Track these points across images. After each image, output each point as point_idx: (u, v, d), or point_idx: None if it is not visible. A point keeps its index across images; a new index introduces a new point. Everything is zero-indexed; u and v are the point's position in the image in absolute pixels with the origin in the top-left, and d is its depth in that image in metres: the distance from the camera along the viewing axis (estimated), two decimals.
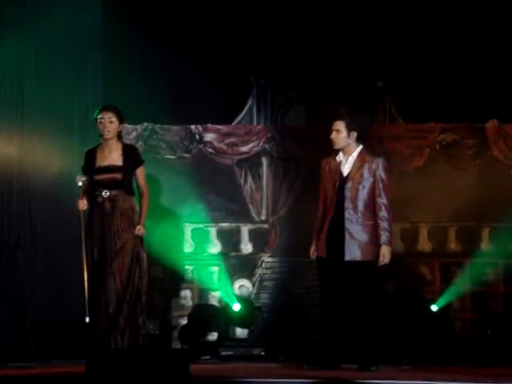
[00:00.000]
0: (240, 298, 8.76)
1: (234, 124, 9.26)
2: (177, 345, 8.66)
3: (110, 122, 6.64)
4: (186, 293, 9.00)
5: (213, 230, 9.10)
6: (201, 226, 9.04)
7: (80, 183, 6.57)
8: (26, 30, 7.87)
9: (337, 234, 6.63)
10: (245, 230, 9.13)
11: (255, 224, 9.13)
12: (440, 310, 8.50)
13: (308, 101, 9.24)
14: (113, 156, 6.68)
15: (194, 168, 9.09)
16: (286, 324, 8.70)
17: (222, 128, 9.20)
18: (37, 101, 7.90)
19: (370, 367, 6.52)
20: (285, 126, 9.24)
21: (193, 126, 9.14)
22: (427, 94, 8.81)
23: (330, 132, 6.75)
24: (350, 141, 6.72)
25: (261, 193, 9.18)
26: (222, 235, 9.09)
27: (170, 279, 8.88)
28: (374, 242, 6.64)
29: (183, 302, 8.99)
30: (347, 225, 6.60)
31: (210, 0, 8.86)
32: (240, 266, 9.03)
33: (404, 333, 8.29)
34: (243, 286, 8.99)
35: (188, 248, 9.06)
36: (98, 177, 6.62)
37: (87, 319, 6.41)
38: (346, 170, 6.73)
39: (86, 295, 6.45)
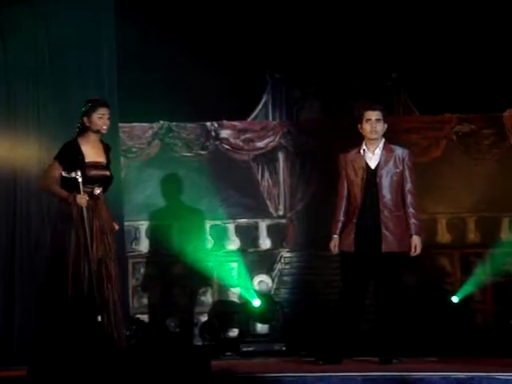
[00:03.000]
0: (260, 294, 8.76)
1: (249, 120, 9.26)
2: (198, 341, 8.68)
3: (108, 119, 6.58)
4: (206, 289, 9.01)
5: (231, 227, 9.10)
6: (219, 222, 9.05)
7: (80, 178, 6.36)
8: (39, 28, 7.91)
9: (369, 228, 6.66)
10: (263, 225, 9.13)
11: (273, 219, 9.12)
12: (461, 301, 8.47)
13: (323, 95, 9.21)
14: (98, 153, 6.58)
15: (211, 165, 9.09)
16: (307, 319, 8.69)
17: (238, 124, 9.20)
18: (52, 102, 7.93)
19: (392, 360, 6.51)
20: (300, 120, 9.22)
21: (208, 123, 9.15)
22: (443, 85, 8.76)
23: (366, 121, 6.76)
24: (382, 132, 6.83)
25: (278, 188, 9.17)
26: (241, 231, 9.09)
27: (190, 276, 8.89)
28: (406, 233, 6.71)
29: (203, 298, 9.00)
30: (382, 217, 6.64)
31: None
32: (259, 262, 9.03)
33: (425, 325, 8.28)
34: (263, 281, 8.98)
35: (206, 245, 9.06)
36: (91, 172, 6.47)
37: (99, 318, 6.34)
38: (373, 162, 6.78)
39: (97, 295, 6.35)
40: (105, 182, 6.58)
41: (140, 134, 9.01)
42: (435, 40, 8.79)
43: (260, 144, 9.18)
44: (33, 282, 7.66)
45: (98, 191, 6.48)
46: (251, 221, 9.10)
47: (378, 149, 6.80)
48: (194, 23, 8.80)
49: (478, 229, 8.91)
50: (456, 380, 5.56)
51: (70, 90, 7.95)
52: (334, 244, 6.82)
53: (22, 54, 7.89)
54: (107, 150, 6.68)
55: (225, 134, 9.16)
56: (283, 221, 9.12)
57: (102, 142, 6.68)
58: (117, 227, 6.71)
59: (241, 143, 9.16)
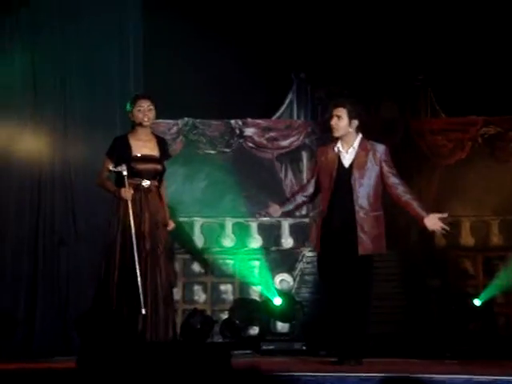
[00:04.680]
0: (281, 293, 8.75)
1: (274, 118, 9.26)
2: (218, 339, 8.69)
3: (149, 110, 6.53)
4: (227, 287, 9.02)
5: (253, 225, 9.10)
6: (242, 220, 9.05)
7: (125, 172, 6.33)
8: (67, 24, 7.94)
9: (338, 228, 6.36)
10: (285, 224, 9.13)
11: (296, 218, 9.12)
12: (483, 304, 8.42)
13: (348, 95, 9.18)
14: (149, 146, 6.55)
15: (235, 163, 9.10)
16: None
17: (262, 122, 9.21)
18: (78, 98, 7.96)
19: (350, 361, 6.28)
20: (325, 120, 9.18)
21: (233, 121, 9.16)
22: (469, 87, 8.73)
23: (331, 118, 6.45)
24: (351, 129, 6.41)
25: None
26: (263, 229, 9.09)
27: (211, 273, 8.91)
28: (382, 233, 6.40)
29: (224, 296, 9.01)
30: (357, 218, 6.30)
31: None
32: (281, 261, 9.03)
33: (448, 327, 8.24)
34: (284, 280, 8.98)
35: (229, 242, 9.07)
36: (140, 166, 6.46)
37: (143, 311, 6.32)
38: (347, 160, 6.41)
39: (140, 286, 6.33)
40: (156, 175, 6.54)
41: (165, 130, 9.03)
42: (462, 42, 8.76)
43: (284, 143, 9.18)
44: (56, 278, 7.70)
45: (146, 184, 6.47)
46: (274, 219, 9.09)
47: (352, 148, 6.41)
48: (221, 21, 8.81)
49: (501, 232, 8.87)
50: (478, 383, 5.52)
51: (96, 88, 7.97)
52: (269, 206, 6.61)
53: (50, 54, 7.93)
54: (161, 143, 6.64)
55: (249, 132, 9.17)
56: (306, 220, 9.11)
57: (156, 136, 6.67)
58: (172, 225, 6.64)
59: (265, 142, 9.16)
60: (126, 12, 8.18)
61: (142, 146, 6.52)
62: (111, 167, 6.45)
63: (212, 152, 9.15)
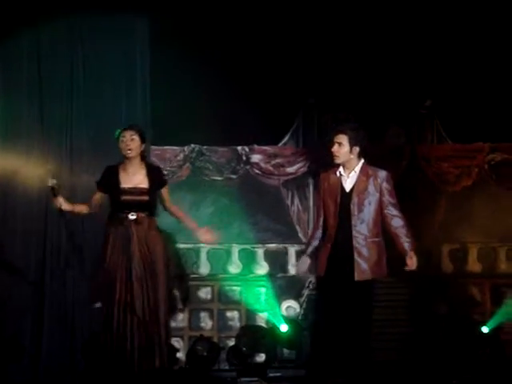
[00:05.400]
0: (287, 319, 8.72)
1: (280, 145, 9.27)
2: (225, 366, 8.64)
3: (131, 140, 6.40)
4: (233, 314, 9.00)
5: (260, 251, 9.09)
6: (248, 246, 9.05)
7: (50, 184, 6.36)
8: (75, 54, 8.00)
9: (342, 253, 6.31)
10: (292, 250, 9.11)
11: (302, 245, 9.08)
12: (491, 331, 8.37)
13: (354, 121, 9.20)
14: (138, 178, 6.46)
15: (241, 189, 9.11)
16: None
17: (269, 149, 9.22)
18: (85, 124, 7.99)
19: None
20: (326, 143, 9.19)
21: (239, 148, 9.18)
22: (476, 114, 8.74)
23: (332, 145, 6.41)
24: (352, 156, 6.37)
25: (307, 213, 9.16)
26: (269, 256, 9.08)
27: (217, 300, 8.89)
28: (382, 259, 6.36)
29: (231, 323, 8.99)
30: (355, 243, 6.27)
31: (256, 22, 8.88)
32: (287, 287, 9.01)
33: (455, 354, 8.19)
34: (290, 306, 8.95)
35: (235, 269, 9.06)
36: (125, 198, 6.40)
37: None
38: (348, 185, 6.39)
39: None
40: (145, 207, 6.47)
41: (171, 157, 9.06)
42: (468, 69, 8.78)
43: (290, 169, 9.19)
44: (62, 303, 7.70)
45: (132, 217, 6.43)
46: (280, 246, 9.09)
47: (353, 172, 6.38)
48: (227, 50, 8.84)
49: (509, 259, 8.84)
50: None
51: (103, 118, 7.99)
52: (301, 263, 6.50)
53: (56, 78, 7.98)
54: (153, 172, 6.53)
55: (255, 158, 9.19)
56: None
57: (148, 165, 6.58)
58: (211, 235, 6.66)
59: (271, 168, 9.17)
60: (133, 41, 8.22)
61: (130, 178, 6.45)
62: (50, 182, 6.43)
63: (218, 178, 9.16)
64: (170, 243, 6.73)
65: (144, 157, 6.57)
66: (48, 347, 7.61)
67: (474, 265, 8.89)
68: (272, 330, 8.69)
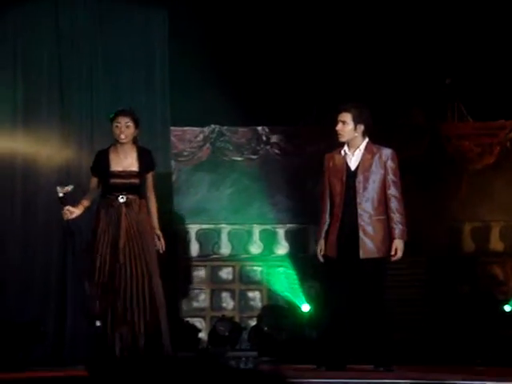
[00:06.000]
0: (309, 299, 8.72)
1: (300, 125, 9.23)
2: (246, 346, 8.66)
3: (126, 127, 6.48)
4: (255, 294, 9.01)
5: (281, 231, 9.09)
6: (269, 227, 9.04)
7: (61, 194, 6.39)
8: (95, 38, 8.01)
9: (349, 231, 6.31)
10: (313, 230, 9.09)
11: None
12: None
13: (377, 100, 9.14)
14: (128, 161, 6.53)
15: (262, 169, 9.09)
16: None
17: (289, 129, 9.18)
18: (105, 111, 7.98)
19: (382, 366, 6.24)
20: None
21: (259, 128, 9.15)
22: (497, 92, 8.67)
23: (336, 123, 6.42)
24: (357, 134, 6.36)
25: None
26: (291, 236, 9.07)
27: (239, 280, 8.90)
28: (388, 237, 6.34)
29: (252, 303, 9.00)
30: (360, 221, 6.27)
31: (278, 7, 8.81)
32: (308, 267, 8.99)
33: (477, 334, 8.17)
34: (312, 286, 8.94)
35: (256, 249, 9.06)
36: (114, 181, 6.47)
37: (97, 323, 6.35)
38: (353, 163, 6.37)
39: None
40: (134, 189, 6.53)
41: (191, 137, 9.05)
42: (489, 46, 8.70)
43: (310, 149, 9.15)
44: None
45: (121, 200, 6.47)
46: (301, 226, 9.07)
47: (358, 150, 6.37)
48: (247, 29, 8.78)
49: None
50: None
51: (124, 95, 7.99)
52: (320, 248, 6.48)
53: (76, 63, 7.99)
54: (141, 155, 6.58)
55: (275, 138, 9.16)
56: None
57: (139, 148, 6.61)
58: (161, 242, 6.58)
59: (291, 148, 9.14)
60: (151, 24, 8.21)
61: (121, 161, 6.51)
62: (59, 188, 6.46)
63: (239, 159, 9.15)
64: None
65: (136, 140, 6.62)
66: (71, 328, 7.65)
67: (496, 243, 8.85)
68: (293, 309, 8.70)
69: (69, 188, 6.46)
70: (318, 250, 6.49)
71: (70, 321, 7.67)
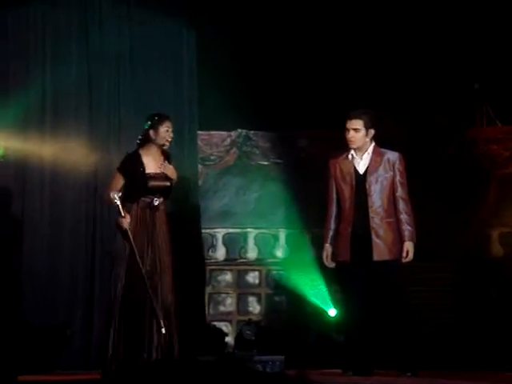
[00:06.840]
0: (336, 304, 8.69)
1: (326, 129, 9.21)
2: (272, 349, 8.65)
3: (172, 132, 6.66)
4: (281, 298, 9.00)
5: (307, 236, 9.07)
6: (295, 231, 9.03)
7: (118, 202, 6.47)
8: (123, 41, 8.05)
9: (361, 235, 6.39)
10: None
11: None
12: None
13: (405, 106, 9.12)
14: (159, 164, 6.64)
15: (288, 173, 9.09)
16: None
17: (316, 133, 9.17)
18: (132, 114, 8.05)
19: (408, 372, 6.25)
20: (379, 130, 9.11)
21: (286, 132, 9.14)
22: None
23: (347, 132, 6.50)
24: (367, 139, 6.50)
25: None
26: (317, 241, 9.04)
27: (265, 284, 8.90)
28: (398, 239, 6.42)
29: (278, 307, 8.99)
30: (372, 224, 6.37)
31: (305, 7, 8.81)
32: (335, 271, 8.96)
33: (506, 338, 8.12)
34: (338, 291, 8.91)
35: (282, 253, 9.06)
36: (152, 183, 6.57)
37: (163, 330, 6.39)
38: (362, 167, 6.49)
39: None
40: (165, 192, 6.65)
41: (218, 142, 9.07)
42: None
43: (337, 153, 9.12)
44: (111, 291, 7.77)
45: (157, 202, 6.55)
46: None
47: (366, 153, 6.50)
48: (274, 35, 8.78)
49: None
50: None
51: (150, 99, 8.02)
52: (326, 254, 6.60)
53: (104, 69, 8.05)
54: (169, 159, 6.73)
55: (302, 142, 9.15)
56: None
57: (165, 152, 6.73)
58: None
59: (318, 152, 9.12)
60: (178, 27, 8.26)
61: (154, 163, 6.61)
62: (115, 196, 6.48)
63: (265, 163, 9.15)
64: None
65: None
66: (98, 332, 7.68)
67: None
68: (320, 314, 8.67)
69: (120, 194, 6.51)
70: (324, 256, 6.61)
71: (96, 324, 7.70)
